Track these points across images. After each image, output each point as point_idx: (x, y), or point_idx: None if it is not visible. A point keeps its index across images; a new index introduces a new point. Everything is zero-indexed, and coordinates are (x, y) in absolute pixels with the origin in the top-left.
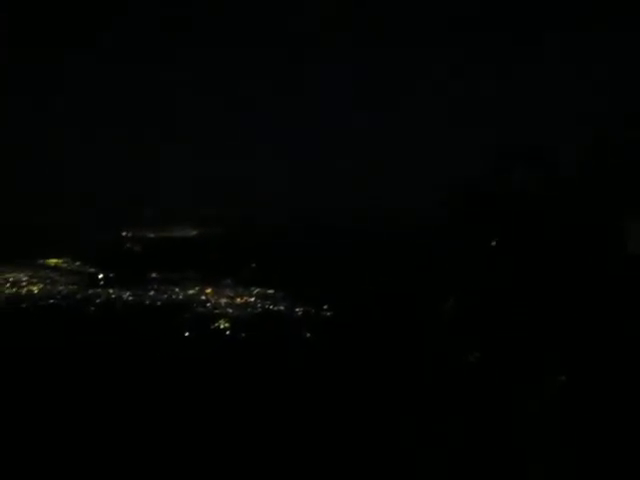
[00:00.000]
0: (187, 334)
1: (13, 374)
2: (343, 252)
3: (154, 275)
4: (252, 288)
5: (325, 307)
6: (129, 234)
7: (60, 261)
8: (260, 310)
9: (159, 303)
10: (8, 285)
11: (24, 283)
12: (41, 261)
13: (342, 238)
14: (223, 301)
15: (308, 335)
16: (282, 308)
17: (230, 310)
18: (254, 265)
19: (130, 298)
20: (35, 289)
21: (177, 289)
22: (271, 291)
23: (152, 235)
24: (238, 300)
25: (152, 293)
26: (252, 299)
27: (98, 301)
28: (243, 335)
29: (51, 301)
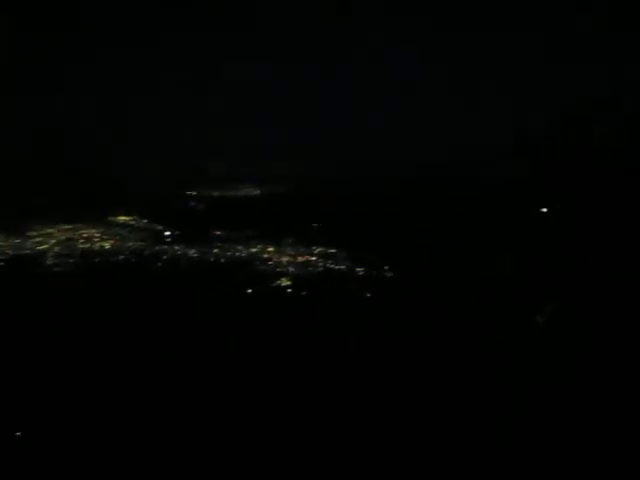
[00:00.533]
0: (249, 291)
1: (87, 324)
2: (410, 207)
3: (218, 233)
4: (313, 247)
5: (386, 268)
6: (193, 192)
7: (129, 218)
8: (321, 269)
9: (222, 260)
10: (82, 241)
11: (96, 239)
12: (111, 218)
13: (410, 191)
14: (284, 259)
15: (368, 295)
16: (343, 268)
17: (291, 268)
18: (316, 225)
19: (195, 255)
20: (106, 245)
21: (240, 247)
22: (332, 250)
23: (216, 193)
24: (299, 259)
25: (216, 251)
26: (313, 258)
27: (165, 257)
28: (304, 293)
29: (121, 257)
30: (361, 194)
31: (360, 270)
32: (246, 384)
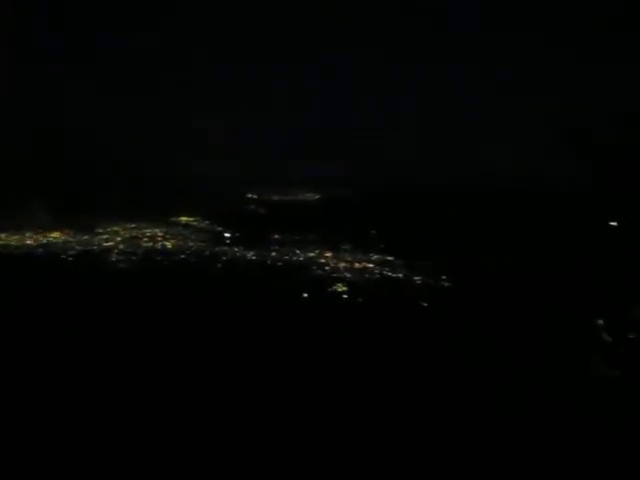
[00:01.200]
0: (305, 295)
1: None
2: (474, 215)
3: (276, 236)
4: (371, 254)
5: (444, 277)
6: (254, 196)
7: (191, 219)
8: (378, 276)
9: (280, 264)
10: (145, 239)
11: (159, 238)
12: (174, 218)
13: (474, 198)
14: (342, 265)
15: (425, 305)
16: (400, 276)
17: (348, 274)
18: (374, 231)
19: (253, 257)
20: (169, 244)
21: (297, 251)
22: (390, 258)
23: (276, 197)
24: (356, 265)
25: (274, 254)
26: (370, 265)
27: (224, 259)
28: (359, 300)
29: (182, 256)
30: (421, 201)
31: (417, 279)
32: (299, 385)
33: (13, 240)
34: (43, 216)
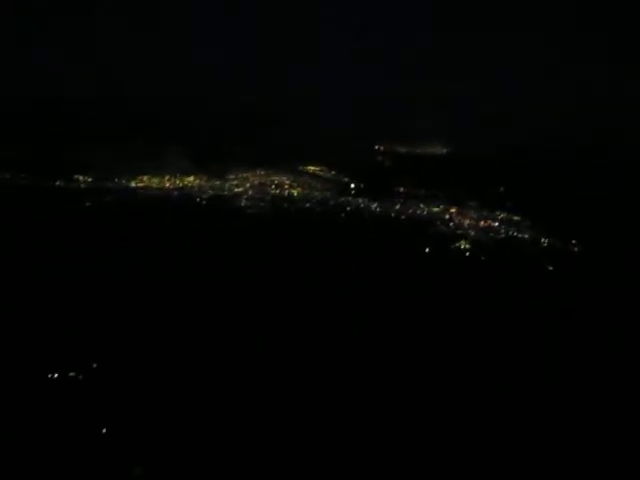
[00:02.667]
0: (427, 250)
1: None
2: (609, 181)
3: (401, 189)
4: (498, 212)
5: (574, 242)
6: (381, 148)
7: (318, 169)
8: (503, 236)
9: (403, 217)
10: (273, 187)
11: (286, 186)
12: (302, 167)
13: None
14: (466, 222)
15: (550, 269)
16: (526, 236)
17: (472, 232)
18: (503, 189)
19: (377, 209)
20: (295, 192)
21: (422, 205)
22: (517, 218)
23: (403, 150)
24: (482, 223)
25: (398, 207)
26: (496, 224)
27: (348, 209)
28: (483, 259)
29: (307, 204)
30: (554, 163)
31: (544, 241)
32: (417, 338)
33: (154, 182)
34: (181, 161)
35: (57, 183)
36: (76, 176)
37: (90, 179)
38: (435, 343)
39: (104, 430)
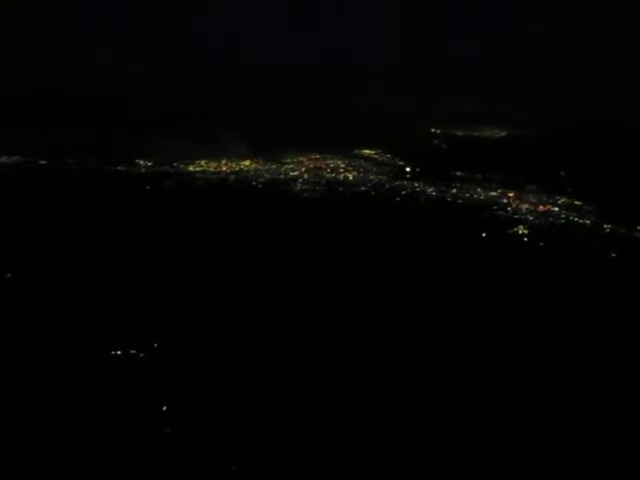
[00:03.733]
0: (484, 235)
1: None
2: None
3: (458, 173)
4: (557, 197)
5: (638, 228)
6: (437, 131)
7: (373, 152)
8: (563, 221)
9: (460, 201)
10: (329, 170)
11: (341, 170)
12: (357, 151)
13: None
14: (524, 207)
15: (613, 255)
16: (588, 222)
17: (530, 217)
18: (563, 173)
19: (433, 193)
20: (350, 176)
21: (479, 189)
22: (578, 202)
23: (460, 133)
24: (540, 208)
25: (454, 191)
26: (556, 209)
27: (403, 193)
28: (541, 244)
29: (362, 188)
30: (617, 142)
31: (607, 227)
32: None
33: (211, 167)
34: (237, 145)
35: (119, 168)
36: (137, 160)
37: (150, 163)
38: (492, 331)
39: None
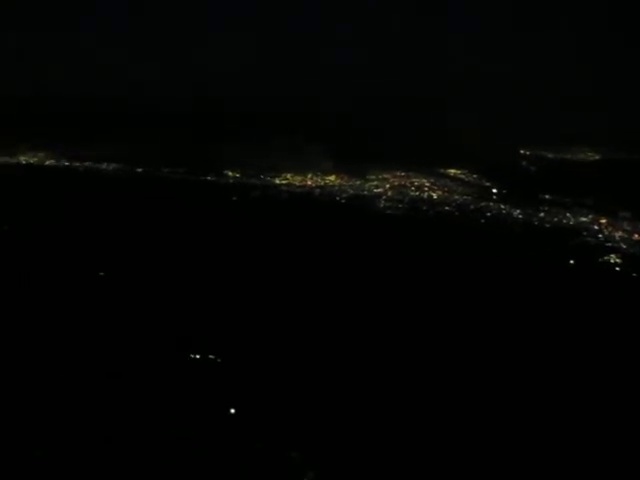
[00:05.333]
0: (571, 262)
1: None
2: None
3: (547, 197)
4: None
5: None
6: (527, 152)
7: (459, 172)
8: None
9: (547, 226)
10: (413, 188)
11: (426, 188)
12: (443, 170)
13: None
14: (617, 234)
15: None
16: None
17: (624, 245)
18: None
19: (520, 216)
20: (434, 195)
21: (568, 214)
22: None
23: (550, 155)
24: (635, 236)
25: (542, 215)
26: None
27: (488, 214)
28: (634, 275)
29: (447, 208)
30: None
31: None
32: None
33: (297, 180)
34: (323, 160)
35: (208, 178)
36: (225, 171)
37: (238, 175)
38: (578, 366)
39: None
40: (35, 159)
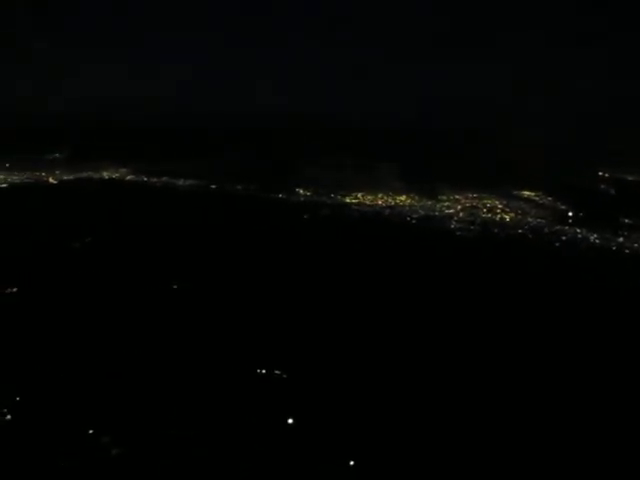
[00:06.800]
0: None
1: None
2: None
3: (626, 221)
4: None
5: None
6: (606, 174)
7: (533, 194)
8: None
9: (627, 251)
10: (485, 210)
11: (498, 210)
12: (516, 192)
13: None
14: None
15: None
16: None
17: None
18: None
19: (597, 241)
20: (507, 217)
21: None
22: None
23: (630, 177)
24: None
25: (621, 239)
26: None
27: (564, 238)
28: None
29: (519, 231)
30: None
31: None
32: None
33: (367, 199)
34: (393, 180)
35: (280, 195)
36: (297, 189)
37: (309, 193)
38: None
39: None
40: (117, 174)
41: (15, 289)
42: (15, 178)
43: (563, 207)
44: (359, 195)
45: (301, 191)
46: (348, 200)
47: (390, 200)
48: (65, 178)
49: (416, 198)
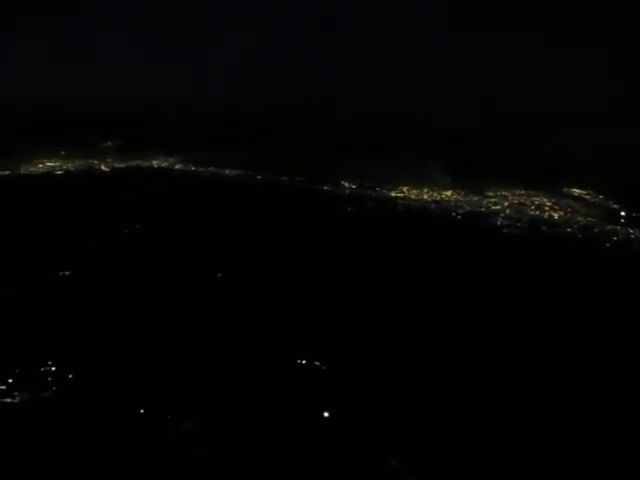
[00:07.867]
0: None
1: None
2: None
3: None
4: None
5: None
6: None
7: (584, 192)
8: None
9: None
10: (533, 207)
11: (547, 208)
12: (565, 190)
13: None
14: None
15: None
16: None
17: None
18: None
19: None
20: (556, 215)
21: None
22: None
23: None
24: None
25: None
26: None
27: (615, 238)
28: None
29: (568, 229)
30: None
31: None
32: None
33: (412, 194)
34: (440, 175)
35: (325, 187)
36: (342, 182)
37: (354, 186)
38: None
39: None
40: (166, 163)
41: (68, 272)
42: (70, 165)
43: (615, 206)
44: (404, 189)
45: (346, 184)
46: (393, 194)
47: (436, 195)
48: (116, 166)
49: (462, 193)
